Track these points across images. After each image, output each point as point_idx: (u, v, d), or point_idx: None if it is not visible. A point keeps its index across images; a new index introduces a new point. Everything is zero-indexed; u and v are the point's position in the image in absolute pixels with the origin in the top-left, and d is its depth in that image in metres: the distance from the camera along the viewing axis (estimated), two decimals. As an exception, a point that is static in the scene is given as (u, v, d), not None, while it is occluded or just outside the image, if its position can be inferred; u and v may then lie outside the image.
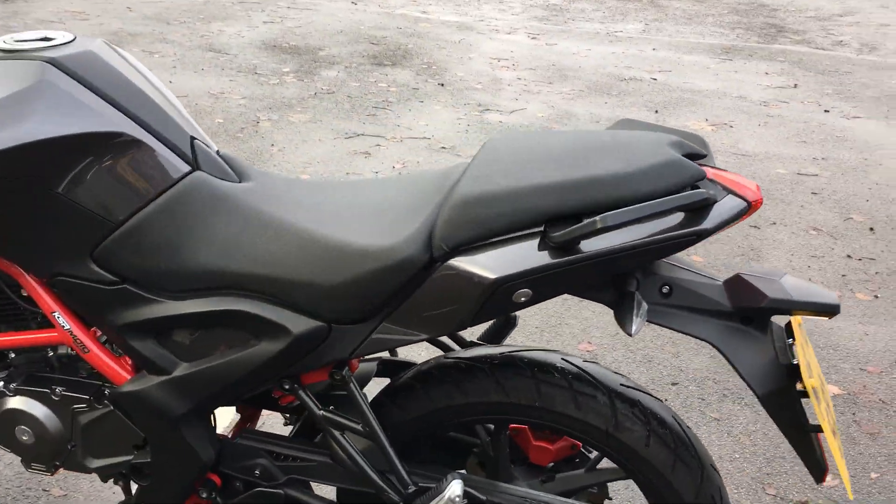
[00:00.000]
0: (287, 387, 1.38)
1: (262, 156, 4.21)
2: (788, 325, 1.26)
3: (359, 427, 1.36)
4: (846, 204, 4.02)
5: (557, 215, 1.18)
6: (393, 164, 4.22)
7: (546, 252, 1.16)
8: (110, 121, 1.29)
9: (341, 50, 6.21)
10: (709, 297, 1.24)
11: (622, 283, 1.23)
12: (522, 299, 1.19)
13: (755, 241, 3.59)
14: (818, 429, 1.25)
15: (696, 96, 5.57)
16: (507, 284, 1.16)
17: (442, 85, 5.55)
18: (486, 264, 1.17)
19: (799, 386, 1.21)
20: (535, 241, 1.18)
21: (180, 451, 1.41)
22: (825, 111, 5.40)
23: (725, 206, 1.18)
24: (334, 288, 1.25)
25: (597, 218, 1.12)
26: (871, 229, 3.75)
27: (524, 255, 1.17)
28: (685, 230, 1.15)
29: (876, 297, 3.22)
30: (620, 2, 8.70)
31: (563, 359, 1.39)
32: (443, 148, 4.47)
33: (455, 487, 1.29)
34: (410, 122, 4.83)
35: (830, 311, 1.20)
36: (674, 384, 2.62)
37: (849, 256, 3.51)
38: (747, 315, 1.24)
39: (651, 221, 1.16)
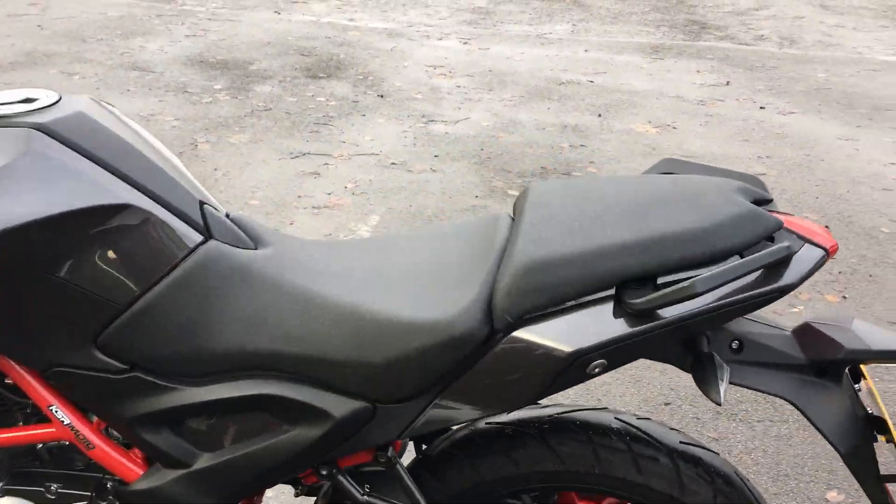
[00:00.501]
0: (325, 472, 1.25)
1: (206, 181, 4.01)
2: (855, 370, 1.21)
3: (409, 512, 1.25)
4: (798, 202, 4.07)
5: (631, 278, 1.09)
6: (344, 184, 4.09)
7: (623, 319, 1.07)
8: (113, 191, 1.15)
9: (272, 63, 6.02)
10: (780, 351, 1.17)
11: (693, 343, 1.14)
12: (597, 370, 1.10)
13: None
14: (894, 478, 1.19)
15: (635, 97, 5.59)
16: (584, 357, 1.07)
17: (382, 97, 5.42)
18: (558, 335, 1.07)
19: (882, 437, 1.16)
20: (609, 307, 1.08)
21: None
22: (761, 108, 5.48)
23: (804, 257, 1.11)
24: (381, 366, 1.14)
25: (688, 283, 1.03)
26: (826, 227, 3.80)
27: (600, 323, 1.07)
28: (769, 287, 1.08)
29: (844, 297, 3.25)
30: (545, 2, 8.71)
31: (616, 418, 1.30)
32: (393, 164, 4.35)
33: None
34: (355, 138, 4.69)
35: None
36: (667, 404, 2.58)
37: (811, 257, 3.54)
38: (821, 367, 1.17)
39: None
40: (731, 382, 1.16)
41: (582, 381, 1.12)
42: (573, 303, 1.09)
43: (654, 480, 1.25)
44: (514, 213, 1.27)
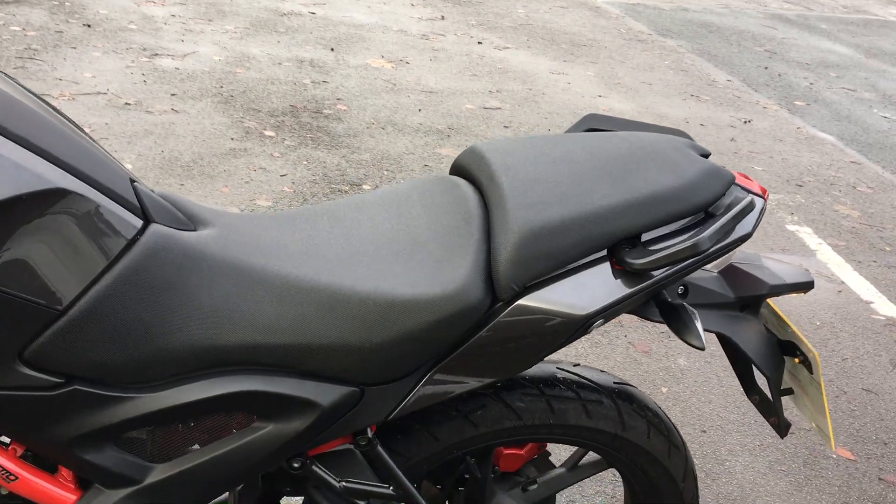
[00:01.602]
0: (297, 465, 1.16)
1: None
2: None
3: (390, 492, 1.20)
4: (535, 135, 4.37)
5: (622, 238, 1.12)
6: (78, 128, 3.63)
7: (622, 279, 1.11)
8: (41, 175, 0.94)
9: (-61, -17, 5.10)
10: (716, 292, 1.29)
11: (659, 295, 1.22)
12: (594, 328, 1.13)
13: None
14: (790, 391, 1.39)
15: (362, 31, 5.57)
16: (595, 318, 1.10)
17: (89, 26, 4.85)
18: (566, 300, 1.09)
19: (795, 360, 1.33)
20: (606, 268, 1.12)
21: None
22: (479, 43, 5.75)
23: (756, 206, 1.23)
24: (375, 348, 1.07)
25: (693, 241, 1.10)
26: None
27: (602, 285, 1.10)
28: (737, 236, 1.18)
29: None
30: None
31: (558, 368, 1.36)
32: (127, 105, 3.94)
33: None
34: (73, 75, 4.17)
35: (810, 287, 1.33)
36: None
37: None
38: (744, 303, 1.31)
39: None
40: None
41: (577, 339, 1.15)
42: (571, 266, 1.11)
43: (601, 422, 1.33)
44: (466, 177, 1.24)
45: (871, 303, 3.28)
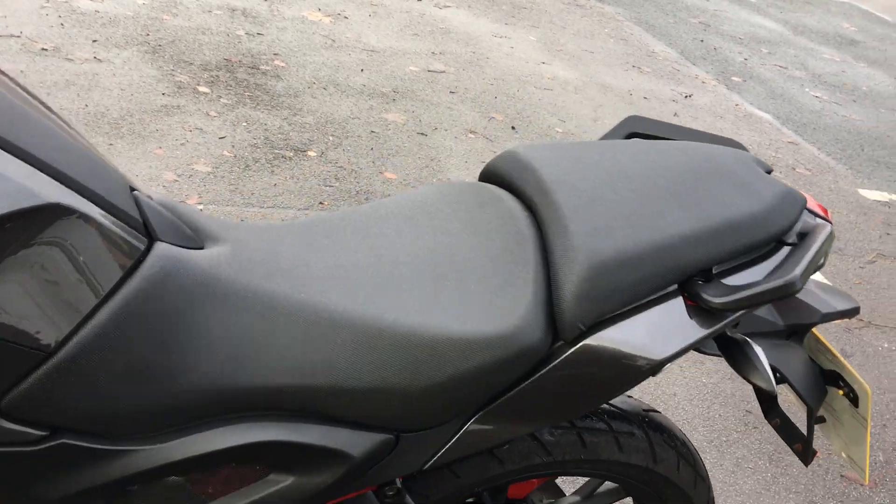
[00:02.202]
0: (313, 520, 1.01)
1: None
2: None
3: (418, 545, 1.06)
4: (482, 103, 4.22)
5: (694, 271, 1.00)
6: (-11, 75, 3.27)
7: (697, 318, 0.99)
8: (30, 188, 0.75)
9: None
10: (767, 319, 1.19)
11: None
12: (661, 371, 1.01)
13: (429, 149, 3.59)
14: (822, 419, 1.31)
15: (295, -20, 5.26)
16: (670, 362, 0.97)
17: (-6, -43, 4.39)
18: (640, 341, 0.96)
19: (839, 392, 1.24)
20: (678, 305, 0.99)
21: None
22: (418, 0, 5.51)
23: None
24: (420, 392, 0.92)
25: (787, 280, 0.98)
26: (513, 128, 4.01)
27: (677, 324, 0.98)
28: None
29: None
30: None
31: (588, 397, 1.23)
32: (44, 50, 3.58)
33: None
34: (-20, 13, 3.76)
35: (857, 312, 1.24)
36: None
37: (511, 159, 3.71)
38: (794, 330, 1.21)
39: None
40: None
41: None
42: (641, 301, 0.98)
43: (633, 456, 1.22)
44: (505, 187, 1.09)
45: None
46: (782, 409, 1.35)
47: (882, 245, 3.79)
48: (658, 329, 0.97)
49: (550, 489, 1.39)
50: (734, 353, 1.09)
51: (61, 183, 0.78)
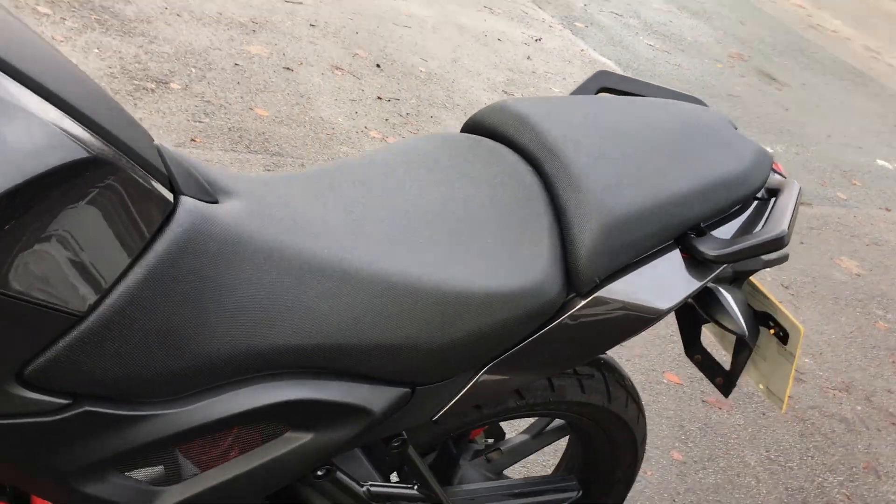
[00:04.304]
0: (322, 473, 0.99)
1: None
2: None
3: (416, 493, 1.07)
4: (344, 38, 4.12)
5: (690, 226, 1.05)
6: None
7: (696, 270, 1.05)
8: (72, 142, 0.68)
9: None
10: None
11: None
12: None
13: (297, 85, 3.48)
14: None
15: None
16: (673, 311, 1.02)
17: None
18: (646, 293, 1.01)
19: (770, 331, 1.36)
20: (676, 257, 1.05)
21: None
22: (265, -77, 5.25)
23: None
24: (441, 347, 0.93)
25: (779, 233, 1.04)
26: (378, 66, 3.96)
27: (678, 276, 1.04)
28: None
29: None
30: None
31: (550, 341, 1.28)
32: None
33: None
34: None
35: (785, 258, 1.36)
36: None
37: (379, 98, 3.67)
38: (738, 276, 1.31)
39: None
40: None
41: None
42: (644, 255, 1.02)
43: (593, 396, 1.29)
44: (501, 140, 1.09)
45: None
46: (703, 346, 1.47)
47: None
48: (661, 281, 1.03)
49: (495, 431, 1.44)
50: (704, 300, 1.17)
51: (97, 135, 0.71)
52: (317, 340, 0.86)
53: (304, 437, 0.92)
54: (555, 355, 1.02)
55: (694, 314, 1.36)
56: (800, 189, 1.20)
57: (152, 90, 3.03)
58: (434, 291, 0.91)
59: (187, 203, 0.80)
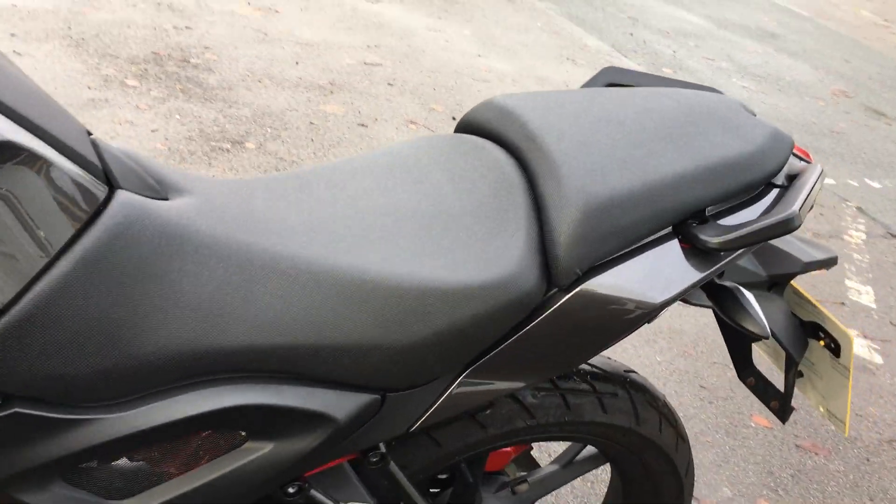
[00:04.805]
0: (293, 490, 0.94)
1: None
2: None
3: (403, 514, 1.00)
4: (421, 94, 4.17)
5: (689, 212, 0.96)
6: None
7: (693, 260, 0.95)
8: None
9: None
10: (748, 270, 1.16)
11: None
12: (658, 316, 0.97)
13: (370, 140, 3.52)
14: (800, 374, 1.30)
15: (223, -25, 5.13)
16: (669, 305, 0.93)
17: None
18: (638, 285, 0.92)
19: (820, 343, 1.23)
20: (675, 247, 0.95)
21: None
22: (349, -6, 5.44)
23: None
24: (406, 348, 0.86)
25: (787, 216, 0.94)
26: (454, 118, 3.97)
27: (674, 266, 0.94)
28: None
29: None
30: None
31: (568, 358, 1.19)
32: (-41, 43, 3.40)
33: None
34: None
35: (835, 262, 1.23)
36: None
37: (453, 149, 3.67)
38: (775, 281, 1.19)
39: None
40: (707, 306, 1.13)
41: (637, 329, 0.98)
42: (636, 245, 0.94)
43: (617, 417, 1.19)
44: (488, 137, 1.04)
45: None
46: (757, 367, 1.34)
47: (817, 225, 3.87)
48: (654, 272, 0.94)
49: (526, 461, 1.35)
50: (724, 301, 1.06)
51: (12, 120, 0.70)
52: (269, 341, 0.82)
53: (264, 448, 0.86)
54: (540, 357, 0.94)
55: (739, 333, 1.24)
56: (821, 171, 1.08)
57: (227, 150, 3.13)
58: (394, 287, 0.85)
59: (123, 196, 0.77)
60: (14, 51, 3.47)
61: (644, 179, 0.93)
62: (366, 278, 0.84)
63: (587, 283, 0.91)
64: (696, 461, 2.23)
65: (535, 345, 0.92)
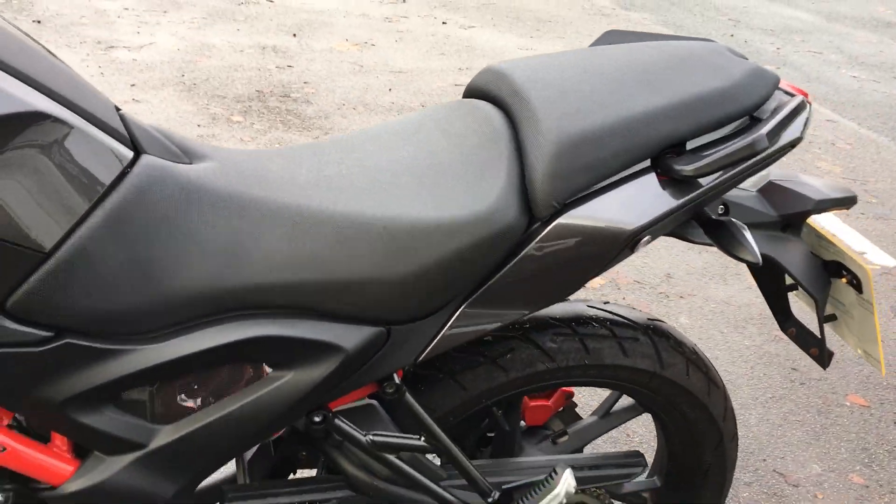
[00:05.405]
0: (318, 419, 1.05)
1: None
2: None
3: (422, 444, 1.09)
4: (510, 109, 4.27)
5: (666, 145, 1.02)
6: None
7: (670, 190, 1.02)
8: (14, 96, 0.82)
9: None
10: (758, 210, 1.20)
11: (702, 214, 1.12)
12: (640, 246, 1.03)
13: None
14: (833, 317, 1.30)
15: (323, 16, 5.44)
16: (641, 234, 1.00)
17: (39, 22, 4.66)
18: (612, 215, 0.98)
19: (842, 280, 1.24)
20: (651, 179, 1.02)
21: None
22: (443, 23, 5.64)
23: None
24: (405, 280, 0.96)
25: (750, 140, 1.00)
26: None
27: (648, 196, 1.00)
28: (787, 140, 1.08)
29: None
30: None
31: (589, 305, 1.26)
32: (86, 96, 3.77)
33: (569, 478, 1.11)
34: (27, 70, 3.98)
35: (854, 202, 1.24)
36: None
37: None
38: (788, 221, 1.22)
39: None
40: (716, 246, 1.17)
41: (622, 259, 1.05)
42: (615, 178, 1.01)
43: (639, 361, 1.24)
44: (484, 98, 1.13)
45: (864, 253, 3.23)
46: (796, 317, 1.35)
47: (929, 207, 3.70)
48: (631, 202, 1.00)
49: (570, 415, 1.41)
50: (721, 236, 1.10)
51: (46, 95, 0.85)
52: (279, 278, 0.94)
53: (284, 376, 0.98)
54: (532, 287, 1.01)
55: (777, 278, 1.27)
56: (801, 101, 1.11)
57: (322, 171, 3.33)
58: (387, 225, 0.95)
59: (147, 159, 0.92)
60: (133, 98, 3.82)
61: (617, 115, 1.00)
62: (361, 221, 0.95)
63: (566, 215, 0.98)
64: (783, 440, 2.20)
65: (525, 276, 1.00)
